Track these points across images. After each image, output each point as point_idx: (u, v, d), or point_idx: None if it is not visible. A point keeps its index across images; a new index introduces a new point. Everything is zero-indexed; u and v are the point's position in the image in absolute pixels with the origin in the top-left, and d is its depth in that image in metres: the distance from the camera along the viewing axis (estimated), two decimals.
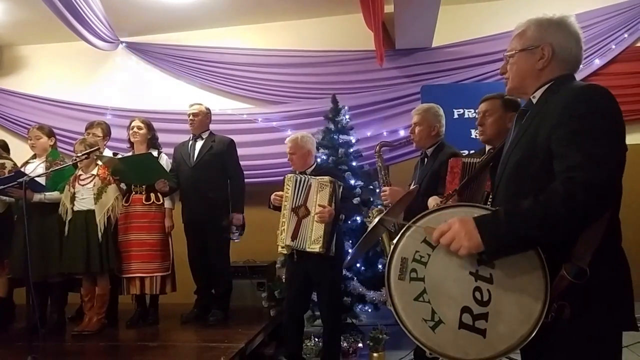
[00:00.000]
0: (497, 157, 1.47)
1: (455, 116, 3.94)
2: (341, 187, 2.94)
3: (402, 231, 1.21)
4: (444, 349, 1.17)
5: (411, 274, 1.19)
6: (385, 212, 1.48)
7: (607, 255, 1.17)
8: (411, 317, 1.18)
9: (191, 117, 3.65)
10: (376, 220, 1.41)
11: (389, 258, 1.21)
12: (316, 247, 2.82)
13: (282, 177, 3.08)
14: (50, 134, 3.64)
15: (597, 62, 4.25)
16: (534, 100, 1.30)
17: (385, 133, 4.31)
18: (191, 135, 3.72)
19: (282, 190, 2.99)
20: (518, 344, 1.13)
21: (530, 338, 1.13)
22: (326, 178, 2.86)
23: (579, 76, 1.34)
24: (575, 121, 1.13)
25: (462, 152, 2.77)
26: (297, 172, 3.05)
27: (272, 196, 3.05)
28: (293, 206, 2.92)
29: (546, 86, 1.27)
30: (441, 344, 1.17)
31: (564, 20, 1.29)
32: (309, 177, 2.93)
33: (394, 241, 1.21)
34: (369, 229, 1.46)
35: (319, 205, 2.82)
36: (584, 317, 1.15)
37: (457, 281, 1.17)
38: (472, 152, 2.55)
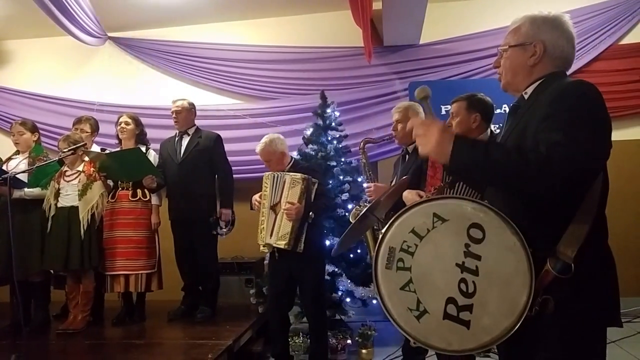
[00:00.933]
0: None
1: (443, 112, 3.97)
2: (316, 185, 2.91)
3: (390, 221, 1.22)
4: (428, 338, 1.18)
5: (398, 263, 1.20)
6: (374, 202, 1.48)
7: (593, 251, 1.17)
8: (396, 305, 1.19)
9: (174, 114, 3.62)
10: (365, 209, 1.42)
11: (377, 247, 1.22)
12: (281, 243, 2.83)
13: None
14: (33, 129, 3.58)
15: (583, 60, 4.32)
16: (526, 97, 1.32)
17: (373, 129, 4.31)
18: (177, 131, 3.69)
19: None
20: (501, 336, 1.15)
21: (514, 331, 1.14)
22: (299, 175, 2.84)
23: None
24: (563, 112, 1.15)
25: None
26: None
27: (252, 200, 3.05)
28: (271, 204, 2.93)
29: (537, 83, 1.30)
30: (425, 334, 1.18)
31: (558, 19, 1.31)
32: (285, 173, 2.93)
33: (382, 230, 1.22)
34: (358, 217, 1.46)
35: (288, 202, 2.81)
36: (567, 311, 1.17)
37: (443, 272, 1.18)
38: None
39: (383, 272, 1.20)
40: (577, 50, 4.48)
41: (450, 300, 1.16)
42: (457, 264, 1.17)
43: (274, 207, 2.92)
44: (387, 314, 1.20)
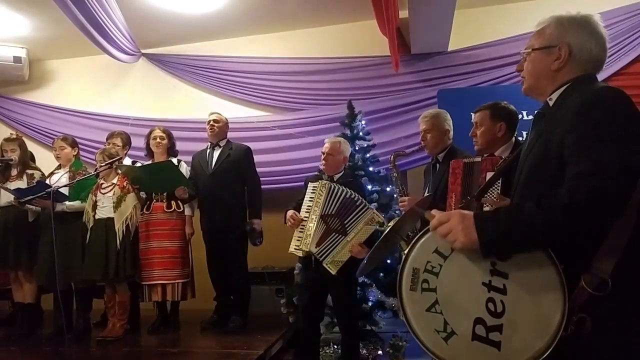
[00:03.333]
0: (515, 162, 1.42)
1: (473, 120, 3.89)
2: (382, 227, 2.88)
3: (412, 242, 1.20)
4: None
5: (423, 284, 1.17)
6: (394, 221, 1.46)
7: (636, 262, 1.08)
8: (423, 328, 1.17)
9: (212, 122, 3.72)
10: (387, 230, 1.41)
11: (400, 268, 1.20)
12: (332, 268, 2.79)
13: (298, 183, 3.06)
14: (73, 144, 3.76)
15: (621, 62, 4.15)
16: (551, 103, 1.26)
17: (402, 138, 4.27)
18: (209, 144, 3.79)
19: (302, 197, 2.96)
20: (535, 357, 1.09)
21: (549, 352, 1.08)
22: (381, 217, 2.82)
23: (601, 75, 1.28)
24: (587, 127, 1.09)
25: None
26: (326, 177, 2.99)
27: (289, 215, 2.92)
28: (323, 213, 2.82)
29: (563, 88, 1.24)
30: (454, 356, 1.15)
31: (586, 20, 1.24)
32: (366, 204, 2.85)
33: (405, 252, 1.21)
34: (380, 238, 1.46)
35: (358, 244, 2.74)
36: (608, 330, 1.09)
37: (470, 292, 1.14)
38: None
39: (408, 293, 1.18)
40: (616, 52, 4.23)
41: (479, 321, 1.12)
42: (483, 283, 1.13)
43: (325, 218, 2.82)
44: (415, 337, 1.18)
